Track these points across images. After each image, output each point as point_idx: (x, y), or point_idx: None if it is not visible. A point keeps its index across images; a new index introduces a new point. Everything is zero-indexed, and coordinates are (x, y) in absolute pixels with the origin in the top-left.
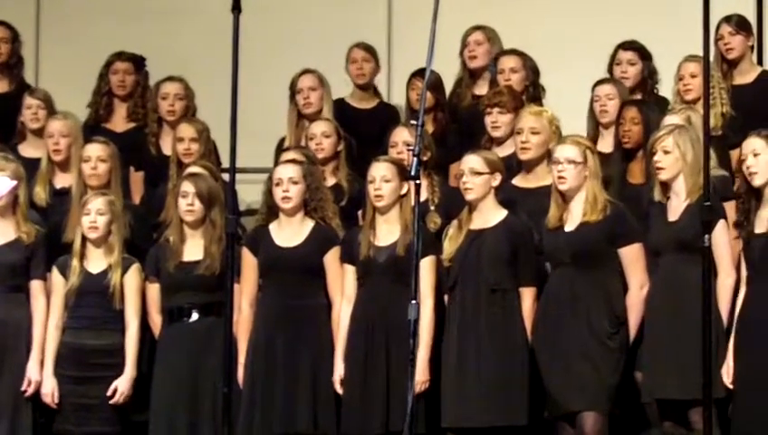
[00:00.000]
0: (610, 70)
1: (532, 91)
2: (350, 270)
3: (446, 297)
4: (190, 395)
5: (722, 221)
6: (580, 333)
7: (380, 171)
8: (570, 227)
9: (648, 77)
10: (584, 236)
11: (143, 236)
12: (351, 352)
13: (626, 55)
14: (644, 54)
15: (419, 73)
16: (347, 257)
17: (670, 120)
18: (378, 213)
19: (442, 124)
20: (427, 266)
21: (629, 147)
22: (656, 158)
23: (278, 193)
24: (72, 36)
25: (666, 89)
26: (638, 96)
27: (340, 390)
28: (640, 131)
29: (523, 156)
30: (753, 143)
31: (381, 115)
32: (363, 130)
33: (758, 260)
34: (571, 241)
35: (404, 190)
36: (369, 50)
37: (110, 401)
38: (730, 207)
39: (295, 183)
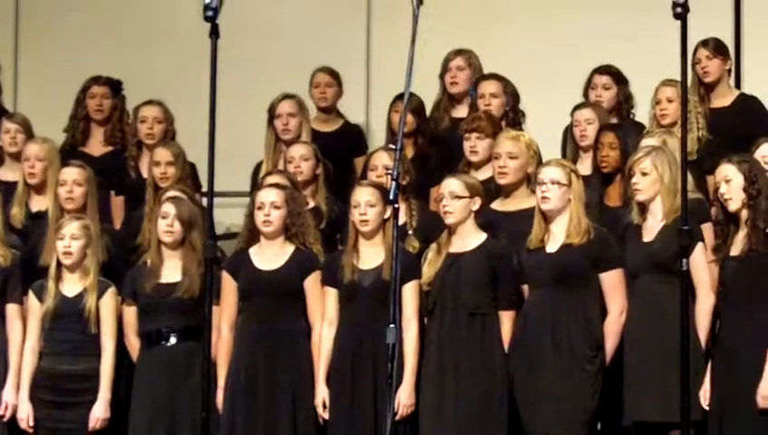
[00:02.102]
0: (586, 94)
1: (512, 116)
2: (333, 293)
3: (425, 320)
4: (169, 420)
5: (699, 244)
6: (560, 356)
7: (365, 196)
8: (552, 248)
9: (624, 101)
10: (567, 258)
11: (122, 260)
12: (337, 376)
13: (601, 80)
14: (619, 79)
15: (402, 96)
16: (329, 281)
17: (647, 142)
18: (362, 237)
19: (422, 148)
20: (410, 291)
21: (608, 171)
22: (633, 180)
23: (259, 217)
24: (50, 62)
25: (643, 114)
26: (614, 120)
27: (323, 413)
28: (618, 156)
29: (502, 181)
30: (724, 170)
31: (346, 137)
32: (328, 153)
33: (731, 282)
34: (554, 262)
35: (387, 214)
36: (333, 74)
37: (89, 428)
38: (707, 229)
39: (277, 208)
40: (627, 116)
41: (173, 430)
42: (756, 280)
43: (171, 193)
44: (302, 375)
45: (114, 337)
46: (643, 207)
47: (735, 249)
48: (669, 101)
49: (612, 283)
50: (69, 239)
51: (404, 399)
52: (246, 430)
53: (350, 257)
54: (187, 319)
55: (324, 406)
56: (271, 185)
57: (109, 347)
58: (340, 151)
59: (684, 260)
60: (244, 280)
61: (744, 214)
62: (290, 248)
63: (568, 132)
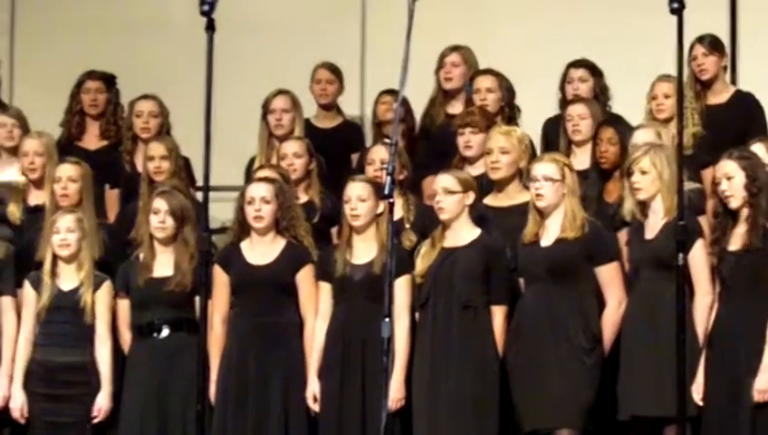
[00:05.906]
0: (562, 88)
1: (508, 112)
2: (326, 288)
3: (417, 314)
4: (159, 410)
5: (699, 240)
6: (558, 350)
7: (356, 191)
8: (546, 242)
9: (600, 93)
10: (561, 252)
11: (117, 254)
12: (327, 370)
13: (577, 73)
14: (594, 71)
15: (387, 91)
16: (323, 275)
17: (641, 136)
18: (354, 232)
19: (411, 142)
20: (402, 285)
21: (607, 167)
22: (633, 178)
23: (250, 212)
24: (46, 56)
25: (639, 110)
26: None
27: (313, 406)
28: (617, 151)
29: (494, 175)
30: (725, 166)
31: (344, 134)
32: (327, 149)
33: (729, 277)
34: (548, 256)
35: (380, 209)
36: (334, 70)
37: (93, 421)
38: (705, 221)
39: (267, 202)
40: (603, 109)
41: (164, 420)
42: (754, 275)
43: (162, 188)
44: (294, 369)
45: (111, 329)
46: (643, 204)
47: (734, 244)
48: (666, 96)
49: (609, 276)
50: (65, 232)
51: (394, 393)
52: (238, 423)
53: (343, 252)
54: (178, 311)
55: (315, 399)
56: (260, 179)
57: (108, 341)
58: (339, 148)
59: (680, 255)
60: (236, 275)
61: (745, 211)
62: (281, 242)
63: (560, 127)
